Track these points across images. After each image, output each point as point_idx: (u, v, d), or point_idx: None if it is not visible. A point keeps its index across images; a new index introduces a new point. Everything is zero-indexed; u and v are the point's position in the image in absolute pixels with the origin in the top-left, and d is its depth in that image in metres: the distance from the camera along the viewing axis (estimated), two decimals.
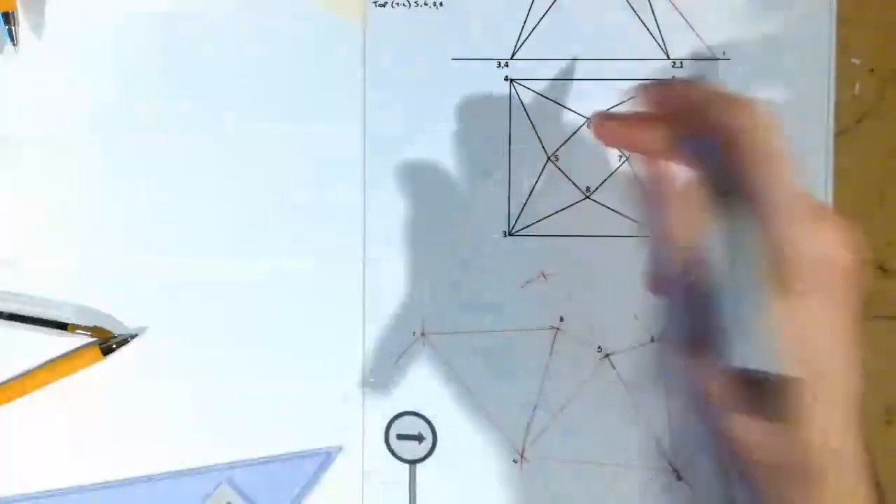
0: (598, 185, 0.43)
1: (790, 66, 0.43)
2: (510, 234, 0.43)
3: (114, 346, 0.42)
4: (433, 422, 0.44)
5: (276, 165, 0.43)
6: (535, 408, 0.43)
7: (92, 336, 0.43)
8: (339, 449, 0.44)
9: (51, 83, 0.43)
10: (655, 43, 0.43)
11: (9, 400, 0.42)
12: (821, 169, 0.43)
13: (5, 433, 0.43)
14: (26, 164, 0.43)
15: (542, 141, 0.43)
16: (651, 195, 0.33)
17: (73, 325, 0.43)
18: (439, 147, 0.43)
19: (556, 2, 0.43)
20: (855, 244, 0.30)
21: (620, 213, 0.43)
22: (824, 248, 0.30)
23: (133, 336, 0.43)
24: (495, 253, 0.43)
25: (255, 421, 0.43)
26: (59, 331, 0.43)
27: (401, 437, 0.44)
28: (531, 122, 0.43)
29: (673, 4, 0.43)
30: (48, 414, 0.43)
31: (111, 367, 0.43)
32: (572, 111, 0.43)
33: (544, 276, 0.43)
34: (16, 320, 0.43)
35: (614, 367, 0.43)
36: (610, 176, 0.43)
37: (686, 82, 0.36)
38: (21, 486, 0.43)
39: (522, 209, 0.43)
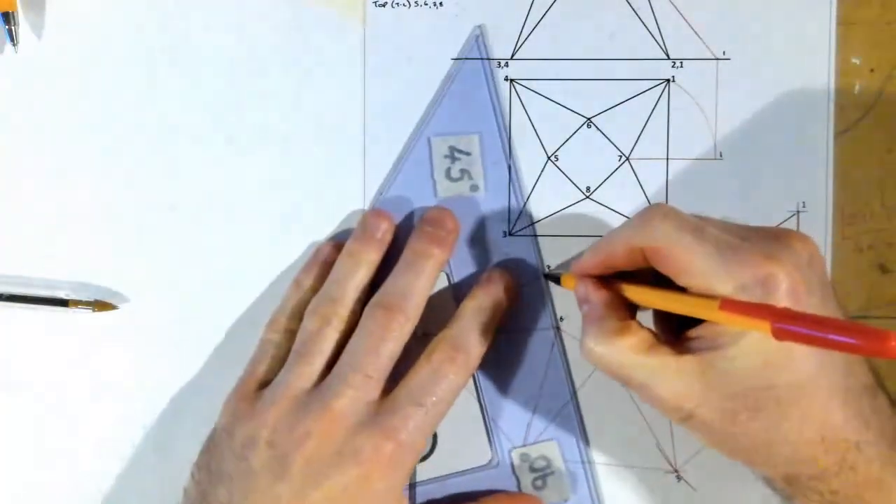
0: (598, 185, 0.43)
1: (790, 66, 0.43)
2: (510, 234, 0.43)
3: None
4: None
5: (276, 165, 0.43)
6: (535, 408, 0.43)
7: (94, 310, 0.43)
8: None
9: (51, 83, 0.43)
10: (655, 43, 0.43)
11: None
12: (821, 169, 0.43)
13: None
14: (26, 163, 0.43)
15: (542, 141, 0.43)
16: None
17: (74, 300, 0.43)
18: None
19: (556, 2, 0.43)
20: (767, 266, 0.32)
21: (620, 214, 0.43)
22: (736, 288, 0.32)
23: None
24: (495, 253, 0.43)
25: None
26: (60, 308, 0.43)
27: None
28: (531, 122, 0.43)
29: (673, 4, 0.43)
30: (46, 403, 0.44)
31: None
32: (572, 111, 0.43)
33: (544, 276, 0.43)
34: (17, 301, 0.43)
35: None
36: (610, 176, 0.43)
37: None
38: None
39: (522, 209, 0.43)
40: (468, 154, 0.43)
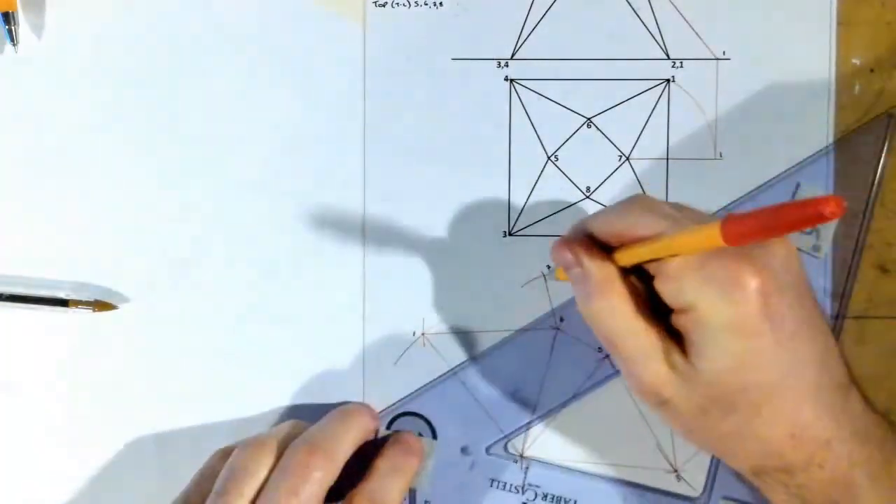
0: (598, 185, 0.44)
1: (790, 66, 0.43)
2: (510, 234, 0.43)
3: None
4: (433, 422, 0.44)
5: (276, 165, 0.43)
6: (535, 408, 0.43)
7: (94, 310, 0.43)
8: None
9: (51, 83, 0.43)
10: (655, 43, 0.43)
11: None
12: (821, 169, 0.43)
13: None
14: (26, 163, 0.43)
15: (542, 141, 0.43)
16: None
17: (74, 300, 0.43)
18: (439, 147, 0.43)
19: (556, 2, 0.43)
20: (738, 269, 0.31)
21: None
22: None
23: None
24: (495, 253, 0.43)
25: (256, 422, 0.43)
26: (60, 308, 0.43)
27: None
28: (531, 122, 0.43)
29: (673, 4, 0.43)
30: (45, 398, 0.44)
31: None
32: (572, 111, 0.43)
33: (544, 276, 0.43)
34: (17, 301, 0.43)
35: (614, 367, 0.43)
36: (610, 176, 0.43)
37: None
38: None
39: (522, 209, 0.43)
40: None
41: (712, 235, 0.29)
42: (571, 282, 0.36)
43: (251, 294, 0.43)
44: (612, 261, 0.35)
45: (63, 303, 0.43)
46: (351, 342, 0.44)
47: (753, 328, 0.31)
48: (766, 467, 0.34)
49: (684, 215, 0.34)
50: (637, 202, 0.35)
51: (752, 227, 0.28)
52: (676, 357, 0.33)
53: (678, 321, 0.33)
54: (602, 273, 0.35)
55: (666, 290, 0.33)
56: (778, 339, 0.32)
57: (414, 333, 0.44)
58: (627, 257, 0.35)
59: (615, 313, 0.34)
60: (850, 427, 0.34)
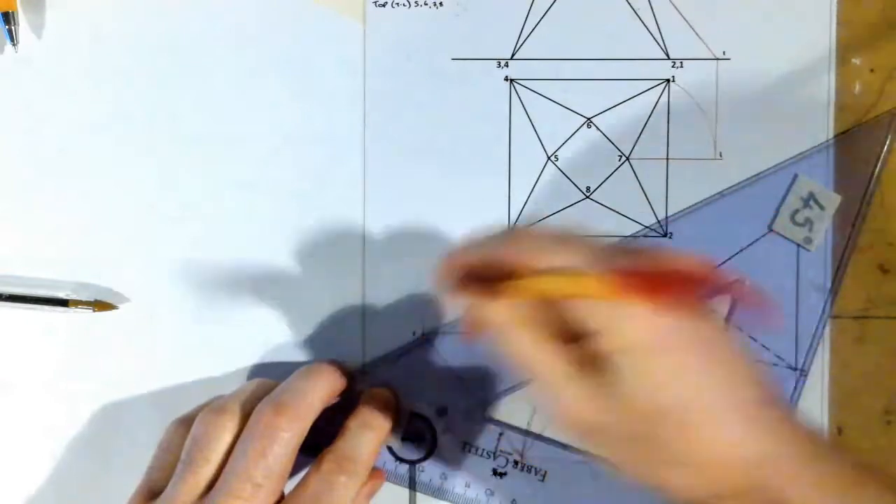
0: (598, 185, 0.44)
1: (790, 66, 0.43)
2: None
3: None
4: (433, 422, 0.44)
5: (276, 165, 0.43)
6: (536, 408, 0.43)
7: (94, 310, 0.43)
8: None
9: (51, 83, 0.43)
10: (655, 43, 0.43)
11: None
12: (821, 169, 0.43)
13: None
14: (26, 163, 0.43)
15: (542, 141, 0.43)
16: None
17: (74, 300, 0.43)
18: (439, 147, 0.43)
19: (556, 2, 0.43)
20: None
21: (620, 213, 0.43)
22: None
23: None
24: None
25: None
26: (60, 308, 0.43)
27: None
28: (531, 122, 0.43)
29: (673, 4, 0.43)
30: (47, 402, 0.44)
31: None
32: (572, 111, 0.43)
33: None
34: (17, 301, 0.43)
35: None
36: (610, 176, 0.43)
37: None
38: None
39: (522, 209, 0.43)
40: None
41: (598, 287, 0.31)
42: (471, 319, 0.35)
43: (251, 294, 0.44)
44: (508, 295, 0.33)
45: (63, 303, 0.43)
46: (351, 342, 0.44)
47: (660, 346, 0.31)
48: (703, 499, 0.33)
49: (575, 252, 0.32)
50: (518, 235, 0.35)
51: (631, 284, 0.30)
52: (591, 382, 0.32)
53: (590, 346, 0.32)
54: (503, 313, 0.33)
55: (572, 318, 0.32)
56: (686, 354, 0.31)
57: (414, 333, 0.44)
58: (522, 293, 0.33)
59: (521, 348, 0.33)
60: (787, 441, 0.32)
